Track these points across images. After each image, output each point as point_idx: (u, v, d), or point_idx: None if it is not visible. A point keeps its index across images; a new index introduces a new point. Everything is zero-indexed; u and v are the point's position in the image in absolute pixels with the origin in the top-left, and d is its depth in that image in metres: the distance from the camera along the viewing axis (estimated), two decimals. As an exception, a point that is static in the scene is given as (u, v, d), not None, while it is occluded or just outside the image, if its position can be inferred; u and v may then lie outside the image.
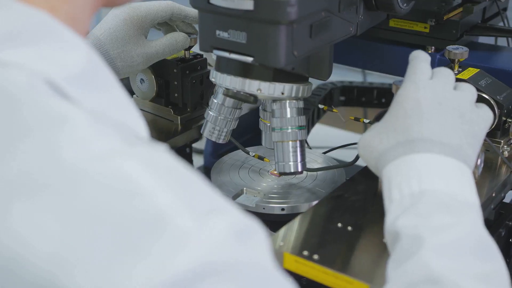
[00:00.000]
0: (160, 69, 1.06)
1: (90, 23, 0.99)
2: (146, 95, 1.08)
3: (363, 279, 0.67)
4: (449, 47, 0.94)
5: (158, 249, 0.42)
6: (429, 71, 0.76)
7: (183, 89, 1.05)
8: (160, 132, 1.06)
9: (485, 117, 0.75)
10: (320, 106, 1.12)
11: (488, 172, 0.87)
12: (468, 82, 0.88)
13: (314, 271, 0.70)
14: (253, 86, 0.83)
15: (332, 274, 0.68)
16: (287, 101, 0.87)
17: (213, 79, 0.88)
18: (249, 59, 0.78)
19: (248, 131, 1.19)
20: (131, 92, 1.11)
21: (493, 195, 0.83)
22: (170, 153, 0.49)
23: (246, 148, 1.03)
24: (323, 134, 1.46)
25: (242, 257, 0.45)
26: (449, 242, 0.62)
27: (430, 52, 1.07)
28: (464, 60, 0.95)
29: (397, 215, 0.66)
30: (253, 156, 1.00)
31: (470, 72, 0.94)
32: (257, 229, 0.48)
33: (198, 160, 1.42)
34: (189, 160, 1.20)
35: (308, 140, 1.21)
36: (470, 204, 0.66)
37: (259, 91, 0.83)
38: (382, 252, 0.69)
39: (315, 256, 0.70)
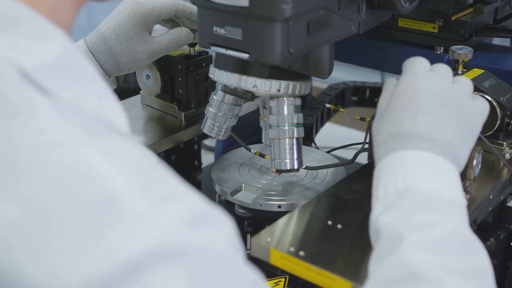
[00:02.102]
0: (165, 65, 1.07)
1: (99, 19, 1.01)
2: (151, 91, 1.09)
3: (347, 277, 0.67)
4: (453, 47, 0.93)
5: (113, 232, 0.43)
6: (428, 65, 0.76)
7: (187, 85, 1.06)
8: (165, 127, 1.07)
9: (482, 109, 0.75)
10: (327, 105, 1.12)
11: (488, 174, 0.86)
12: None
13: (299, 267, 0.70)
14: (249, 82, 0.83)
15: (316, 271, 0.68)
16: (284, 98, 0.87)
17: (211, 76, 0.88)
18: (245, 56, 0.78)
19: (258, 130, 1.19)
20: (138, 88, 1.12)
21: (491, 197, 0.82)
22: (141, 146, 0.49)
23: (249, 146, 1.03)
24: (333, 133, 1.46)
25: (195, 242, 0.45)
26: (430, 239, 0.61)
27: (438, 52, 1.06)
28: (472, 61, 0.94)
29: (380, 212, 0.66)
30: (254, 153, 1.01)
31: (475, 72, 0.93)
32: (220, 218, 0.48)
33: (209, 157, 1.42)
34: (197, 157, 1.21)
35: (317, 139, 1.21)
36: (455, 202, 0.66)
37: (255, 88, 0.84)
38: (369, 250, 0.69)
39: (301, 253, 0.70)
